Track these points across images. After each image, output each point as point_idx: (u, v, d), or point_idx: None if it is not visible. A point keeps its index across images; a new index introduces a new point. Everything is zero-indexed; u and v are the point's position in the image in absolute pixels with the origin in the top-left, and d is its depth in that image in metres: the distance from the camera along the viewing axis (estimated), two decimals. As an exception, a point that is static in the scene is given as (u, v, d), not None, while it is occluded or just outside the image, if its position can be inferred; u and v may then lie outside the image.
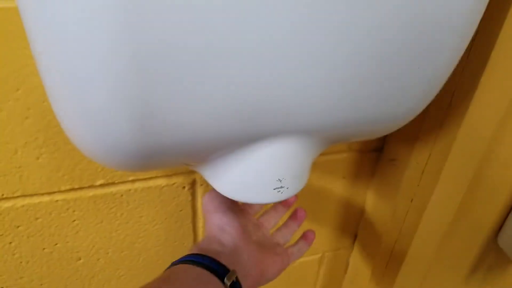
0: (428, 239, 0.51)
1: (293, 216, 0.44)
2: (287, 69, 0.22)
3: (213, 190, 0.36)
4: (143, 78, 0.21)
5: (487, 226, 0.60)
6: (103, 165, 0.30)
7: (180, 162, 0.30)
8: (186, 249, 0.47)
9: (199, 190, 0.48)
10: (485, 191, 0.52)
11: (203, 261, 0.30)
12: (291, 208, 0.45)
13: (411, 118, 0.32)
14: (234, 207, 0.38)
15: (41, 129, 0.37)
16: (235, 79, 0.22)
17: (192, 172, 0.46)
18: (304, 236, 0.43)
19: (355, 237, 0.64)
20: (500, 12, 0.32)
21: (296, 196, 0.41)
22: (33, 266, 0.44)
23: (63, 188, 0.41)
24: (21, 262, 0.43)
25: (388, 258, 0.56)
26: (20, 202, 0.40)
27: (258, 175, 0.29)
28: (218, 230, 0.35)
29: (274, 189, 0.30)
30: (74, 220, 0.43)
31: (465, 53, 0.30)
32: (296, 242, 0.43)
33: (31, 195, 0.40)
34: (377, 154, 0.55)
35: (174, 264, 0.30)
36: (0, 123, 0.36)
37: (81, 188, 0.42)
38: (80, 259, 0.46)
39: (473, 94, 0.37)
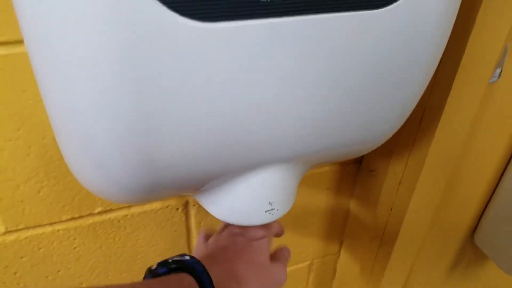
0: (409, 243, 0.54)
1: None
2: (275, 113, 0.26)
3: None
4: (146, 128, 0.24)
5: (464, 226, 0.64)
6: (104, 199, 0.32)
7: (178, 194, 0.33)
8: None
9: (192, 210, 0.51)
10: (459, 196, 0.56)
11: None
12: None
13: (388, 138, 0.35)
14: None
15: (42, 165, 0.39)
16: (228, 125, 0.25)
17: (185, 193, 0.49)
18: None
19: (341, 243, 0.67)
20: (463, 39, 0.36)
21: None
22: (37, 294, 0.46)
23: (63, 218, 0.43)
24: (25, 291, 0.45)
25: (373, 262, 0.60)
26: (23, 234, 0.42)
27: (251, 200, 0.32)
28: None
29: (265, 211, 0.33)
30: (75, 247, 0.45)
31: (433, 76, 0.33)
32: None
33: (34, 227, 0.42)
34: (357, 166, 0.58)
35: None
36: (3, 161, 0.38)
37: (80, 217, 0.44)
38: (82, 283, 0.48)
39: (441, 111, 0.41)
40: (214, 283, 0.28)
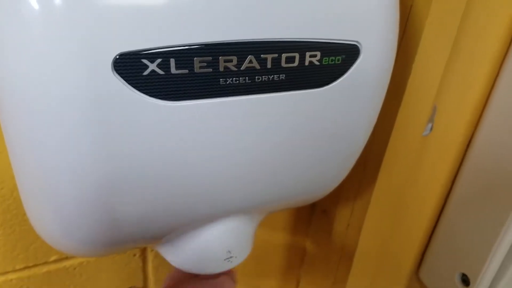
0: (359, 281, 0.58)
1: None
2: (227, 173, 0.28)
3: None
4: (109, 187, 0.26)
5: (409, 262, 0.68)
6: (63, 252, 0.33)
7: (138, 246, 0.34)
8: (139, 314, 0.50)
9: (150, 256, 0.51)
10: (403, 235, 0.60)
11: None
12: None
13: (333, 188, 0.39)
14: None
15: (-2, 214, 0.39)
16: (185, 183, 0.27)
17: (143, 238, 0.49)
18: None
19: (298, 282, 0.69)
20: (397, 101, 0.41)
21: None
22: None
23: (17, 267, 0.42)
24: None
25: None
26: (-26, 285, 0.41)
27: (209, 249, 0.34)
28: None
29: (224, 259, 0.35)
30: (28, 298, 0.44)
31: (373, 131, 0.37)
32: None
33: (-14, 278, 0.41)
34: (311, 206, 0.61)
35: None
36: (-43, 212, 0.37)
37: (35, 265, 0.43)
38: (34, 335, 0.47)
39: (381, 160, 0.45)
40: None
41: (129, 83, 0.21)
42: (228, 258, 0.35)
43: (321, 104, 0.27)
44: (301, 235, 0.64)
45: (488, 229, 0.55)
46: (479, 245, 0.56)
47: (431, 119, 0.44)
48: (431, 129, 0.45)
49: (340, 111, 0.29)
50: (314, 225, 0.62)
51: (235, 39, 0.23)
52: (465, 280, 0.60)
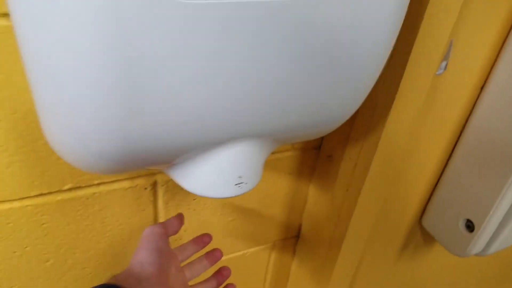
0: (362, 223, 0.59)
1: (218, 273, 0.48)
2: (242, 90, 0.28)
3: (152, 227, 0.41)
4: (126, 94, 0.26)
5: (412, 209, 0.69)
6: (77, 167, 0.34)
7: (152, 166, 0.35)
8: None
9: (160, 191, 0.52)
10: (408, 180, 0.61)
11: None
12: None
13: (343, 121, 0.39)
14: (164, 249, 0.40)
15: (12, 139, 0.40)
16: (205, 101, 0.27)
17: (153, 174, 0.50)
18: (218, 274, 0.47)
19: (299, 226, 0.71)
20: (412, 33, 0.40)
21: (222, 253, 0.47)
22: (4, 269, 0.46)
23: (32, 193, 0.44)
24: (-10, 267, 0.45)
25: (329, 242, 0.64)
26: (-9, 209, 0.42)
27: (222, 173, 0.35)
28: (139, 265, 0.37)
29: (235, 184, 0.35)
30: (43, 224, 0.46)
31: (384, 68, 0.37)
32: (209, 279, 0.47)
33: (2, 202, 0.42)
34: (316, 151, 0.62)
35: None
36: (-28, 135, 0.38)
37: (50, 193, 0.45)
38: (48, 260, 0.49)
39: (392, 101, 0.45)
40: None
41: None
42: (239, 184, 0.36)
43: (338, 13, 0.27)
44: (305, 180, 0.65)
45: (496, 177, 0.55)
46: (485, 191, 0.57)
47: (446, 57, 0.43)
48: (445, 67, 0.44)
49: (356, 26, 0.28)
50: (319, 170, 0.63)
51: None
52: (469, 226, 0.61)
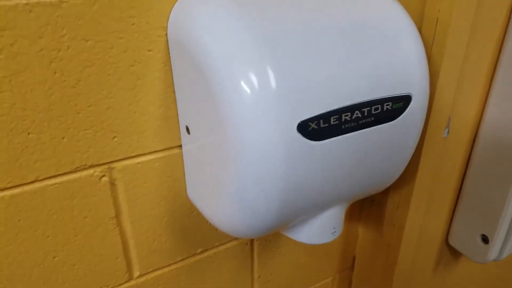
0: (406, 253, 0.76)
1: None
2: (345, 181, 0.48)
3: None
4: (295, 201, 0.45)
5: (440, 231, 0.86)
6: (236, 236, 0.52)
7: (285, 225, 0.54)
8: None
9: (255, 244, 0.70)
10: (434, 212, 0.79)
11: None
12: None
13: (393, 181, 0.58)
14: None
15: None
16: (328, 190, 0.47)
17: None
18: None
19: (353, 258, 0.88)
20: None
21: None
22: None
23: (177, 259, 0.61)
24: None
25: (382, 271, 0.81)
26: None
27: (324, 226, 0.53)
28: None
29: (331, 233, 0.54)
30: (180, 283, 0.63)
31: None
32: None
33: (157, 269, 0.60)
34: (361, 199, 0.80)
35: None
36: None
37: (187, 257, 0.62)
38: None
39: (419, 157, 0.64)
40: None
41: (303, 135, 0.41)
42: (333, 232, 0.54)
43: (391, 131, 0.47)
44: (355, 220, 0.82)
45: (498, 197, 0.73)
46: (492, 210, 0.75)
47: (447, 126, 0.63)
48: (448, 132, 0.64)
49: (402, 133, 0.48)
50: (365, 212, 0.81)
51: (350, 103, 0.42)
52: (484, 239, 0.78)
